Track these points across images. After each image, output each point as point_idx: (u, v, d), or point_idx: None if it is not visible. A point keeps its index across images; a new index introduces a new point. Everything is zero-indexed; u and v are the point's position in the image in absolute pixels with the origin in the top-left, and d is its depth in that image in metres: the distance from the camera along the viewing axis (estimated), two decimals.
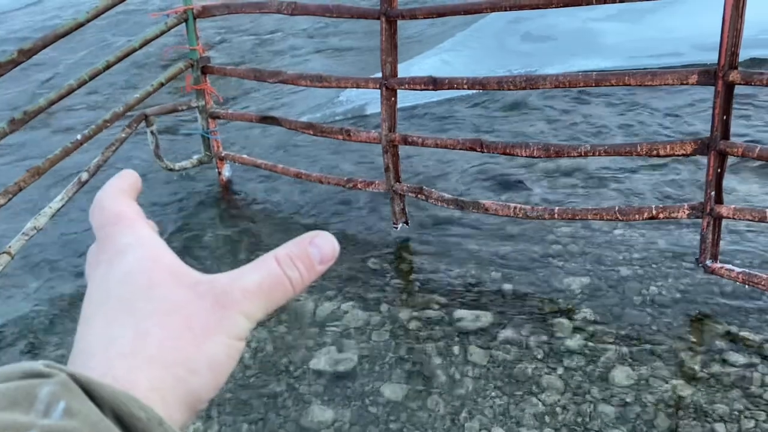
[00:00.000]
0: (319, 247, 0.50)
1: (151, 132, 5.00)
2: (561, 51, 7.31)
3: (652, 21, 7.30)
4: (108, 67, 4.59)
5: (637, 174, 4.81)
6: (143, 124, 4.95)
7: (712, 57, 3.21)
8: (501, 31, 7.99)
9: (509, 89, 3.82)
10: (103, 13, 4.51)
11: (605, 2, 3.16)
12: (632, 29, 7.46)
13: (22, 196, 4.44)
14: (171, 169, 5.25)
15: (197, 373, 0.46)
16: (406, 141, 4.22)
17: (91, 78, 4.46)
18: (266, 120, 4.98)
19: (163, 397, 0.44)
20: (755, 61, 5.95)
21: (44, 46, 4.20)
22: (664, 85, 3.35)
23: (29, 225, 4.28)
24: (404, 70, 5.53)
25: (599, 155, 3.64)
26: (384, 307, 3.84)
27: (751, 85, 3.20)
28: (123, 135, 4.85)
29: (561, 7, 3.44)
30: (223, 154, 5.35)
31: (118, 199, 0.54)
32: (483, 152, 4.02)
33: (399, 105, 4.32)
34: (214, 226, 4.95)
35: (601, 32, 7.66)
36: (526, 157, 3.94)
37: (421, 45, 8.13)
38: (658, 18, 7.19)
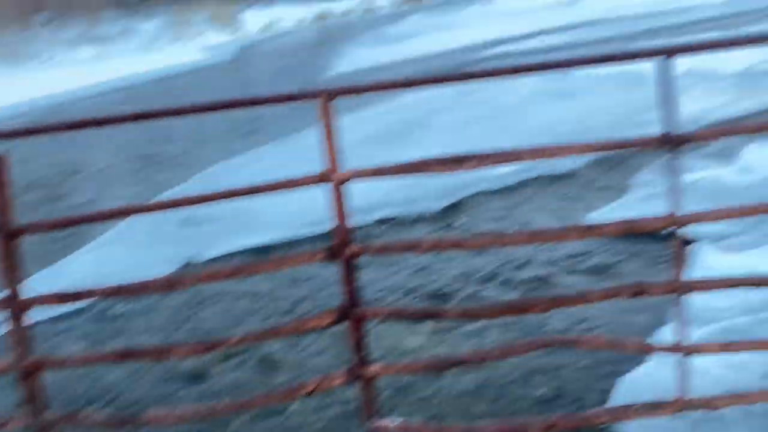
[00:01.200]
0: None
1: None
2: (222, 232, 7.52)
3: (299, 193, 7.92)
4: None
5: (295, 350, 4.90)
6: None
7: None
8: (158, 220, 7.94)
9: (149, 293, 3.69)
10: None
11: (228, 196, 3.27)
12: (284, 202, 7.99)
13: None
14: None
15: None
16: (46, 364, 3.75)
17: None
18: None
19: None
20: (380, 222, 6.64)
21: None
22: (296, 265, 3.53)
23: None
24: (58, 270, 5.05)
25: (253, 341, 3.65)
26: None
27: (370, 254, 3.53)
28: None
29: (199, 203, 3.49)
30: None
31: None
32: (136, 361, 3.76)
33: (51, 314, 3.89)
34: None
35: (258, 210, 8.05)
36: (184, 356, 3.78)
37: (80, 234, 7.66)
38: (304, 190, 7.84)
